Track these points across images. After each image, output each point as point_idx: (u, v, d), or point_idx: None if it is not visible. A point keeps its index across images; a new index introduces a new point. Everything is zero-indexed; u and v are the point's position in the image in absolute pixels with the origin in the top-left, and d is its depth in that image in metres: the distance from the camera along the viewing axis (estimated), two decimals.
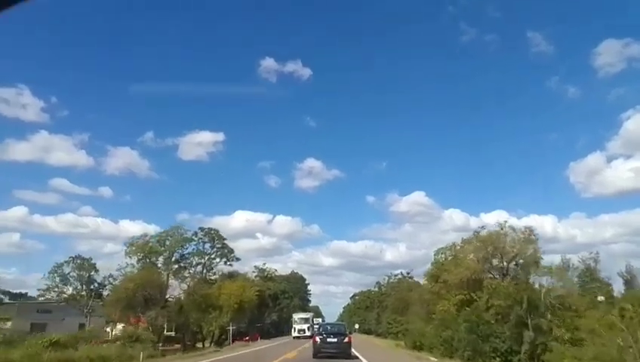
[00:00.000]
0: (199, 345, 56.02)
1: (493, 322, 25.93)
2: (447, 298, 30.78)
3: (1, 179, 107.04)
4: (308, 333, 54.28)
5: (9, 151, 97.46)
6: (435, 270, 33.65)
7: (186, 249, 54.41)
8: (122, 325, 49.12)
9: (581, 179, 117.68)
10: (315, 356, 21.61)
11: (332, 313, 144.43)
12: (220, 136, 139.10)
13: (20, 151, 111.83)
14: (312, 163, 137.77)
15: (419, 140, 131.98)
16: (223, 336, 60.50)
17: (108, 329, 50.78)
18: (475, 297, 29.62)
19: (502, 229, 30.21)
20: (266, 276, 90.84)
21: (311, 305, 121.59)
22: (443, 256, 38.65)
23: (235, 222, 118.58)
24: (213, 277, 56.19)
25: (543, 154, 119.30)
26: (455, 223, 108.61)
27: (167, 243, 52.25)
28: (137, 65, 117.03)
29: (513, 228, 30.07)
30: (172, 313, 52.96)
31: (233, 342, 56.08)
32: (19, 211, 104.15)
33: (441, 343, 27.94)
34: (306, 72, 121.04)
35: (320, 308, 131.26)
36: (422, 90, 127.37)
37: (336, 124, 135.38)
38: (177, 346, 50.68)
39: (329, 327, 26.58)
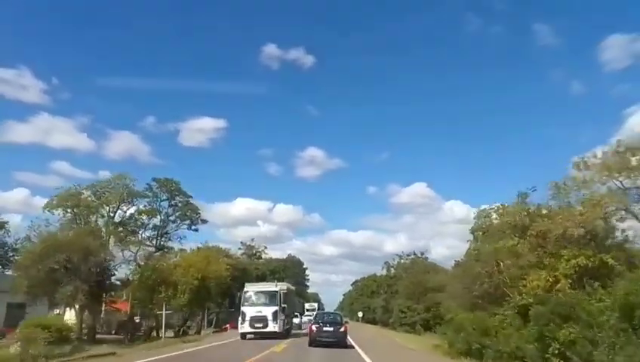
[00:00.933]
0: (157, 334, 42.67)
1: None
2: (552, 265, 15.72)
3: (2, 160, 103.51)
4: (272, 327, 25.75)
5: (10, 132, 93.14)
6: (523, 217, 17.64)
7: (134, 206, 39.85)
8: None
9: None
10: (311, 344, 21.12)
11: (333, 301, 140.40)
12: (221, 123, 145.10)
13: (21, 132, 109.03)
14: (313, 152, 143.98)
15: (421, 131, 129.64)
16: (189, 323, 46.68)
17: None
18: (608, 259, 14.86)
19: None
20: (254, 254, 77.50)
21: (309, 291, 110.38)
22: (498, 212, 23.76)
23: (236, 209, 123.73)
24: (169, 244, 41.50)
25: (545, 148, 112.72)
26: (455, 215, 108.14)
27: (107, 196, 37.67)
28: (139, 50, 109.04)
29: None
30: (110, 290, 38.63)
31: (199, 332, 42.44)
32: (20, 193, 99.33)
33: (553, 353, 13.18)
34: (309, 60, 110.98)
35: (319, 296, 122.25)
36: (425, 81, 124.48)
37: (339, 113, 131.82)
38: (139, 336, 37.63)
39: (325, 316, 25.89)
